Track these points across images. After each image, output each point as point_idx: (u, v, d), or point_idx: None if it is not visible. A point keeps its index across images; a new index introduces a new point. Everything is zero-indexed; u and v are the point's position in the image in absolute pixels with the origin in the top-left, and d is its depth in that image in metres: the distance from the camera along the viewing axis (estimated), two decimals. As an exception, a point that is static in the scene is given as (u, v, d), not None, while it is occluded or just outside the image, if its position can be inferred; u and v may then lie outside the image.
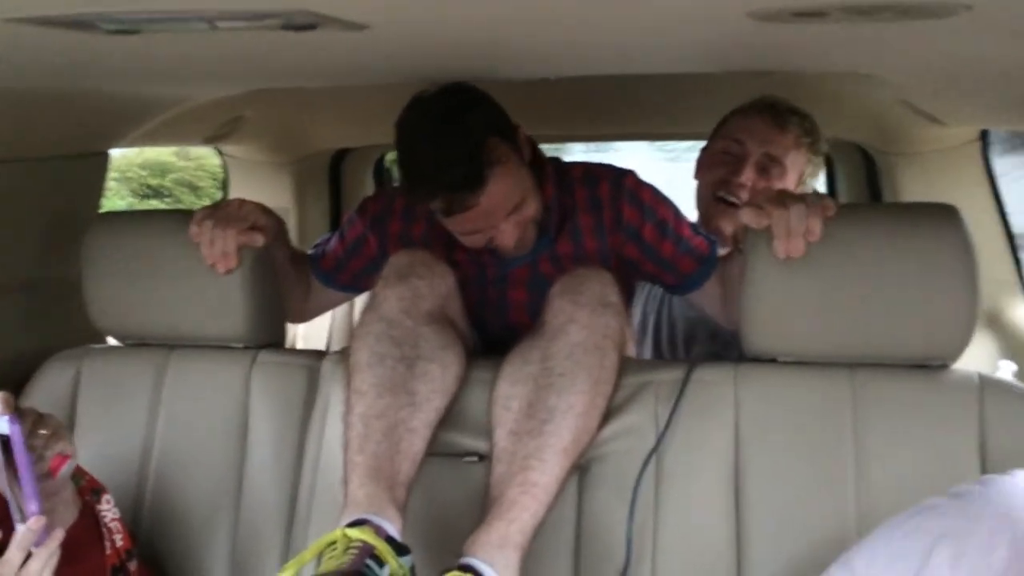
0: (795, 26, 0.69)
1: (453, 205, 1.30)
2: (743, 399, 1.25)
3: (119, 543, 1.14)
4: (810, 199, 1.22)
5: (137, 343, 1.46)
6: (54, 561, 0.96)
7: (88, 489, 1.15)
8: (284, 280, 1.50)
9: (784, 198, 1.22)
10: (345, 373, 1.30)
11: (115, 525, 1.15)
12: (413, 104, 1.35)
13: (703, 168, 1.72)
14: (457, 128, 1.29)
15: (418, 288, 1.28)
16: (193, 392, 1.40)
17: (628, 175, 1.45)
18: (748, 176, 1.62)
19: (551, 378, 1.21)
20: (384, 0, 0.59)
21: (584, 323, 1.23)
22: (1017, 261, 2.01)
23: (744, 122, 1.67)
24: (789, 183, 1.64)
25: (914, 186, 2.11)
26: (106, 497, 1.16)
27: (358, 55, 0.94)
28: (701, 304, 1.55)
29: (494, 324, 1.48)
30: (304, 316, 1.69)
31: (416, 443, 1.21)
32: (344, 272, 1.56)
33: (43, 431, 1.03)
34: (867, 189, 2.35)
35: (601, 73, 1.44)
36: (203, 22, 0.67)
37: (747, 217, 1.23)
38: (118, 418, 1.40)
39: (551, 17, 0.71)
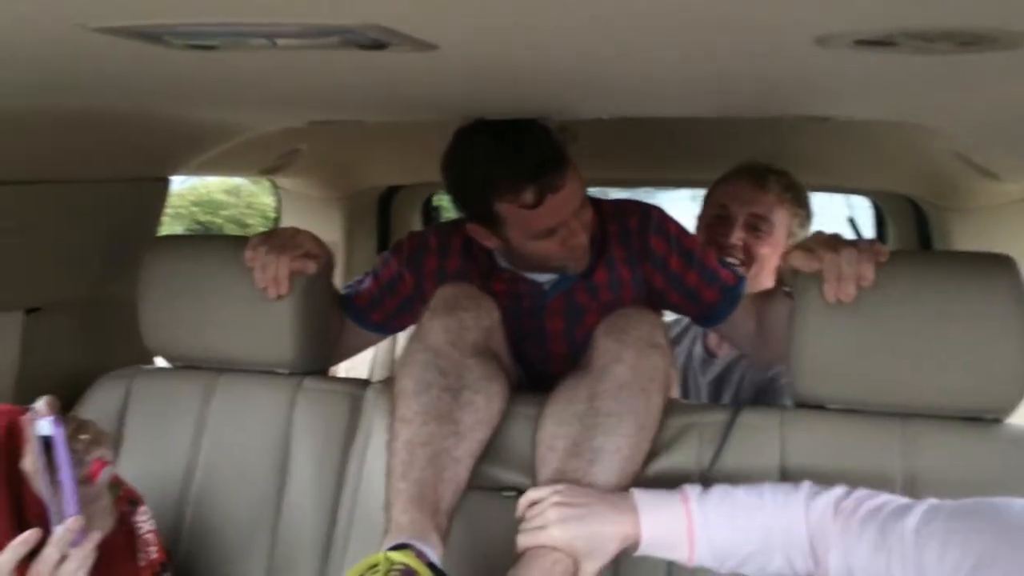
0: (856, 60, 0.70)
1: (544, 188, 1.30)
2: (789, 445, 1.23)
3: (153, 555, 1.15)
4: (862, 244, 1.21)
5: (186, 365, 1.48)
6: (89, 563, 0.97)
7: (125, 500, 1.16)
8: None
9: (835, 242, 1.21)
10: (389, 403, 1.31)
11: (150, 537, 1.15)
12: (461, 134, 1.37)
13: (699, 237, 1.78)
14: (520, 128, 1.32)
15: (464, 320, 1.29)
16: (238, 416, 1.41)
17: (655, 209, 1.48)
18: (738, 236, 1.72)
19: (597, 418, 1.21)
20: (457, 17, 0.61)
21: (631, 363, 1.23)
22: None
23: (727, 188, 1.77)
24: (778, 237, 1.74)
25: (967, 242, 2.07)
26: (143, 509, 1.17)
27: (423, 81, 0.96)
28: (730, 337, 1.57)
29: (533, 354, 1.48)
30: (333, 358, 1.65)
31: (460, 473, 1.21)
32: (378, 310, 1.55)
33: (84, 436, 1.04)
34: (918, 243, 2.32)
35: (661, 115, 1.46)
36: (264, 39, 0.69)
37: (798, 260, 1.22)
38: (164, 438, 1.42)
39: (624, 45, 0.72)
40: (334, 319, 1.54)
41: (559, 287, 1.46)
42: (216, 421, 1.42)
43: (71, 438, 1.01)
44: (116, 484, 1.14)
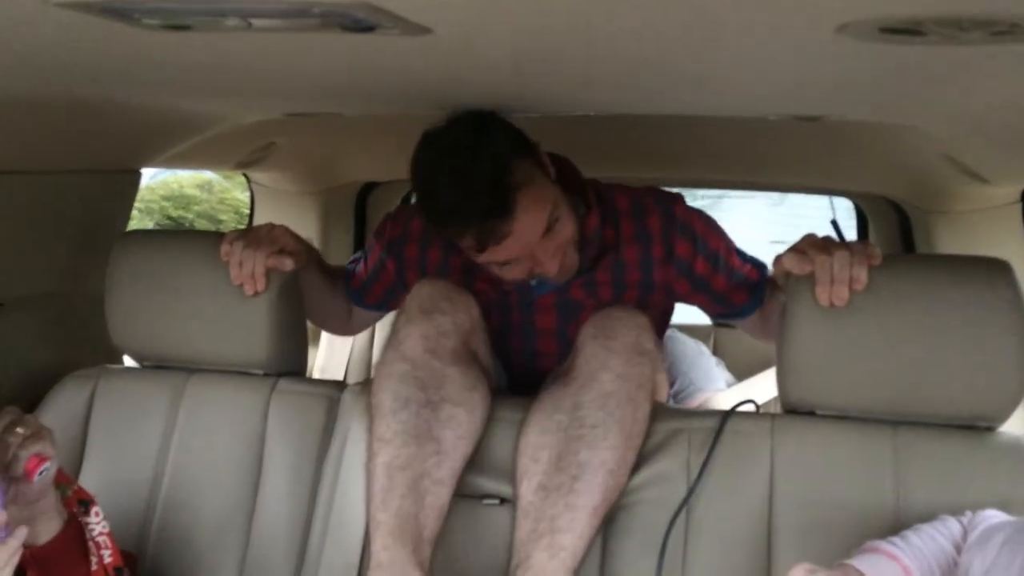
0: (871, 55, 0.66)
1: (486, 238, 1.21)
2: (779, 451, 1.20)
3: (107, 559, 1.09)
4: (855, 246, 1.18)
5: (155, 365, 1.43)
6: (16, 559, 0.92)
7: (75, 500, 1.10)
8: (327, 297, 1.51)
9: (828, 244, 1.19)
10: (366, 406, 1.26)
11: (103, 540, 1.10)
12: (425, 140, 1.26)
13: None
14: (476, 155, 1.20)
15: (442, 325, 1.24)
16: (209, 418, 1.36)
17: (677, 203, 1.39)
18: None
19: (582, 429, 1.17)
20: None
21: (618, 372, 1.19)
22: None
23: None
24: None
25: (951, 246, 2.06)
26: (95, 509, 1.11)
27: (412, 70, 0.90)
28: (744, 327, 1.56)
29: (519, 350, 1.43)
30: (351, 330, 1.71)
31: (442, 495, 1.17)
32: (369, 294, 1.55)
33: (20, 430, 0.99)
34: (901, 247, 2.31)
35: (666, 113, 1.41)
36: (238, 19, 0.64)
37: (789, 262, 1.19)
38: (130, 441, 1.36)
39: (632, 36, 0.67)
40: (341, 297, 1.56)
41: (551, 286, 1.39)
42: (186, 423, 1.36)
43: (4, 430, 0.97)
44: (65, 483, 1.10)
